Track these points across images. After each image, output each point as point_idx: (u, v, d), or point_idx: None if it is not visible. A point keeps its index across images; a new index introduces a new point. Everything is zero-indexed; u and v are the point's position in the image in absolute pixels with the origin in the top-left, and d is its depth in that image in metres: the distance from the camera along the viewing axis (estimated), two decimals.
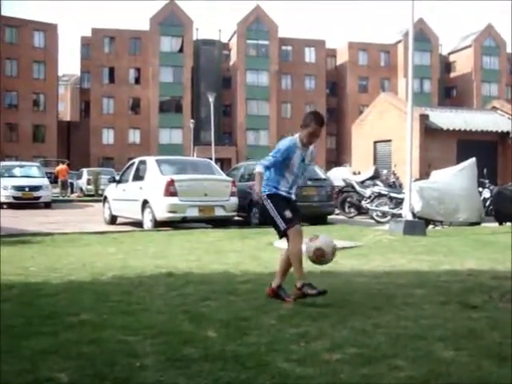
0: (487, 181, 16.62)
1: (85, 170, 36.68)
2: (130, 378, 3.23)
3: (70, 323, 4.42)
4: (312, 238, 5.32)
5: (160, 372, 3.31)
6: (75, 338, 4.00)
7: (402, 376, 3.25)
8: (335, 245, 5.36)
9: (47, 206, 22.73)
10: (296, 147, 5.36)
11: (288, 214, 5.27)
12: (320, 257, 5.22)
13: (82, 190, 34.54)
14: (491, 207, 15.63)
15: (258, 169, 5.34)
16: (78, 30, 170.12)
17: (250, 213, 15.14)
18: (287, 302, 5.23)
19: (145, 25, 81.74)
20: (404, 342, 3.88)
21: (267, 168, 5.35)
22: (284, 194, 5.42)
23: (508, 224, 14.81)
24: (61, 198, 29.31)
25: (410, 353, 3.66)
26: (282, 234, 5.36)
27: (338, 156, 67.93)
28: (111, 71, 66.10)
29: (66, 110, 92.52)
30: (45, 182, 23.34)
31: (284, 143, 5.40)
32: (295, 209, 5.47)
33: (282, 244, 9.43)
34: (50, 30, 63.74)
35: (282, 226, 5.27)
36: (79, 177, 36.58)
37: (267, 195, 5.37)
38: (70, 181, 33.61)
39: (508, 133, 25.26)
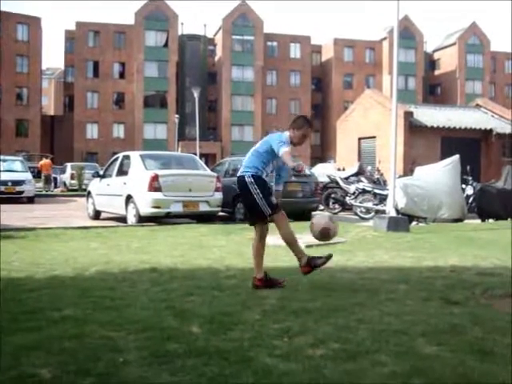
0: (470, 178, 16.73)
1: (68, 165, 36.47)
2: (113, 373, 3.22)
3: (53, 318, 4.40)
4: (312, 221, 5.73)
5: (143, 367, 3.31)
6: (58, 333, 3.98)
7: (384, 371, 3.27)
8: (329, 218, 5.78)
9: (30, 200, 22.55)
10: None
11: (274, 199, 5.55)
12: (327, 235, 5.68)
13: (65, 184, 34.33)
14: (474, 204, 15.75)
15: (285, 148, 5.38)
16: (62, 24, 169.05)
17: (234, 208, 15.14)
18: (282, 284, 5.62)
19: (130, 19, 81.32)
20: (387, 338, 3.89)
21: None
22: (268, 180, 5.69)
23: (491, 221, 14.94)
24: (44, 192, 29.11)
25: (393, 348, 3.68)
26: (261, 219, 5.60)
27: (322, 152, 68.10)
28: (95, 65, 65.70)
29: (49, 104, 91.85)
30: (28, 176, 23.14)
31: (283, 138, 5.55)
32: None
33: (267, 239, 9.44)
34: (33, 23, 63.21)
35: (267, 211, 5.48)
36: (63, 171, 36.39)
37: (252, 176, 5.54)
38: (53, 175, 33.39)
39: (491, 130, 25.49)
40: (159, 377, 3.17)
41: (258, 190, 5.48)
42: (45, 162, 32.22)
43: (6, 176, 22.43)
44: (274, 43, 70.35)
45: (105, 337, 3.92)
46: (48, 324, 4.22)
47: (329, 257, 5.48)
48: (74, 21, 66.65)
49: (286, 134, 5.64)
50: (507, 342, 3.84)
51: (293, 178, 15.09)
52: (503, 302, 5.06)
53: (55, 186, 33.76)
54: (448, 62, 73.96)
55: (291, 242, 5.55)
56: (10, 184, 22.11)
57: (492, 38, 79.17)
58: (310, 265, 5.48)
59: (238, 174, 5.74)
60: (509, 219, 14.67)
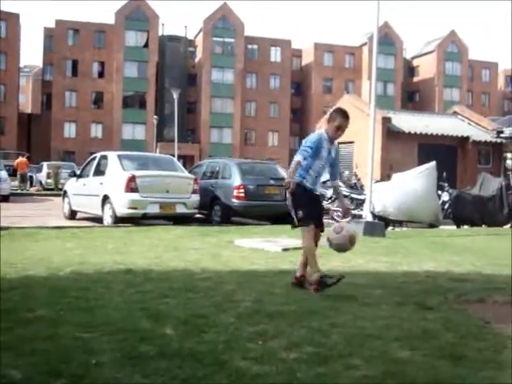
0: (446, 184, 16.88)
1: (45, 164, 36.14)
2: (86, 375, 3.19)
3: (26, 319, 4.34)
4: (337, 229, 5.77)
5: (116, 369, 3.28)
6: (30, 334, 3.93)
7: (357, 375, 3.28)
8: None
9: (5, 199, 22.28)
10: (324, 140, 5.76)
11: (300, 213, 5.65)
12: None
13: (41, 183, 34.03)
14: (449, 210, 15.90)
15: (298, 158, 5.58)
16: (41, 21, 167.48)
17: (211, 210, 15.13)
18: (309, 289, 5.64)
19: (110, 18, 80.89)
20: (360, 342, 3.91)
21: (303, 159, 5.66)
22: (309, 185, 5.77)
23: (466, 227, 15.09)
24: (20, 191, 28.83)
25: (366, 352, 3.69)
26: (294, 226, 5.79)
27: None
28: (74, 64, 65.26)
29: (27, 101, 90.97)
30: (3, 174, 22.89)
31: (313, 138, 5.76)
32: (316, 204, 5.94)
33: (243, 242, 9.46)
34: (11, 19, 62.45)
35: (295, 220, 5.72)
36: (39, 170, 36.05)
37: (297, 185, 5.68)
38: (29, 174, 33.12)
39: (468, 137, 25.76)
40: (132, 379, 3.15)
41: (291, 201, 5.72)
42: (21, 160, 31.93)
43: None
44: (255, 46, 70.45)
45: (78, 338, 3.88)
46: (20, 325, 4.17)
47: (341, 278, 5.56)
48: (54, 18, 66.13)
49: (321, 131, 5.85)
50: (479, 346, 3.88)
51: (271, 182, 15.15)
52: (476, 307, 5.11)
53: (31, 185, 33.47)
54: (427, 69, 74.66)
55: (307, 256, 5.76)
56: None
57: (470, 46, 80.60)
58: (321, 281, 5.56)
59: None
60: (483, 225, 14.85)
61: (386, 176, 20.61)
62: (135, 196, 13.07)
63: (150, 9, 65.95)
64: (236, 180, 14.85)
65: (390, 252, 9.04)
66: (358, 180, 20.60)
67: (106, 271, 6.60)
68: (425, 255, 8.75)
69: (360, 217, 14.06)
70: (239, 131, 67.40)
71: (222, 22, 67.69)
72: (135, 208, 13.13)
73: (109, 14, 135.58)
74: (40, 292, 5.35)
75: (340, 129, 5.77)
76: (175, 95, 37.28)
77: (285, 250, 8.83)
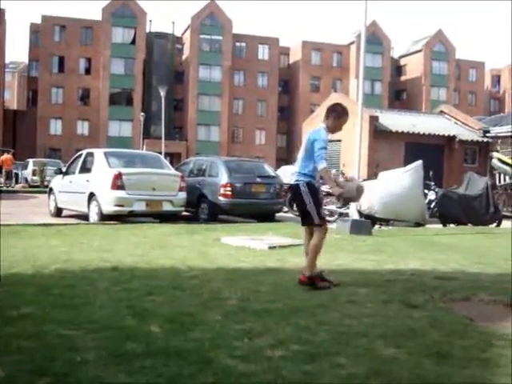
0: (433, 183, 16.94)
1: (30, 161, 35.92)
2: (70, 373, 3.17)
3: (10, 317, 4.31)
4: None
5: (101, 367, 3.26)
6: (15, 331, 3.91)
7: (343, 373, 3.28)
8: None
9: None
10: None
11: (322, 212, 5.80)
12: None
13: (27, 180, 33.84)
14: (436, 209, 15.96)
15: (324, 165, 5.58)
16: (27, 17, 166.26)
17: (198, 208, 15.10)
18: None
19: (97, 15, 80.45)
20: (346, 340, 3.92)
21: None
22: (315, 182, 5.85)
23: (452, 226, 15.16)
24: (5, 188, 28.64)
25: (352, 350, 3.70)
26: (308, 224, 5.89)
27: (288, 154, 68.30)
28: (61, 60, 64.83)
29: (12, 98, 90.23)
30: None
31: (324, 137, 5.70)
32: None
33: (229, 240, 9.44)
34: None
35: (316, 219, 5.73)
36: (25, 167, 35.83)
37: (307, 183, 5.73)
38: (14, 171, 32.90)
39: (454, 137, 25.90)
40: (117, 377, 3.13)
41: (311, 200, 5.71)
42: (6, 157, 31.71)
43: None
44: (243, 44, 70.32)
45: (63, 336, 3.86)
46: (4, 322, 4.15)
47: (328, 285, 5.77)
48: (40, 14, 65.59)
49: (323, 130, 5.75)
50: (464, 344, 3.90)
51: (258, 180, 15.15)
52: (461, 306, 5.14)
53: (16, 182, 33.25)
54: (414, 68, 74.91)
55: (314, 254, 5.82)
56: None
57: (457, 45, 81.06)
58: (312, 280, 5.72)
59: (293, 180, 5.90)
60: (469, 224, 14.93)
61: (372, 175, 20.64)
62: (121, 193, 13.01)
63: (137, 5, 65.63)
64: (223, 178, 14.83)
65: (376, 250, 9.06)
66: (345, 179, 20.63)
67: (92, 269, 6.56)
68: (411, 254, 8.77)
69: (347, 215, 14.09)
70: (226, 129, 67.32)
71: (210, 19, 67.52)
72: (121, 205, 13.07)
73: (96, 11, 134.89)
74: (25, 289, 5.32)
75: (342, 126, 5.92)
76: (162, 92, 37.17)
77: (271, 247, 8.83)
